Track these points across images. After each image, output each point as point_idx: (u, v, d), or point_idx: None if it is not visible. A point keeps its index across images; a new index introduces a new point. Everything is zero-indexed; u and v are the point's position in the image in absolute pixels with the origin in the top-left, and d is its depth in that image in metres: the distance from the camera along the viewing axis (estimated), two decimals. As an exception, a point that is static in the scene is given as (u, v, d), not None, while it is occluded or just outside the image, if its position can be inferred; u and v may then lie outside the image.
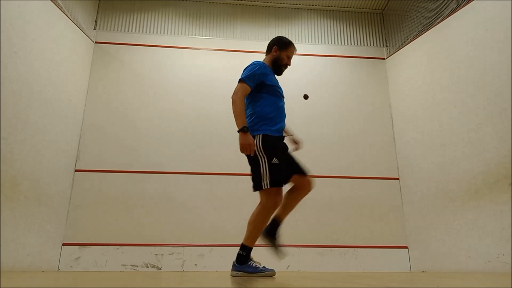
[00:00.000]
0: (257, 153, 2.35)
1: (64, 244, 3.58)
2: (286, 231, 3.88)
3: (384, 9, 4.87)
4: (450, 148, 3.53)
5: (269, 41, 2.70)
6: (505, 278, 2.04)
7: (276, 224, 2.47)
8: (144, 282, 1.79)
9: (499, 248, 2.96)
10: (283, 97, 2.59)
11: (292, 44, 2.65)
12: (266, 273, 2.30)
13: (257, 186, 2.34)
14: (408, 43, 4.31)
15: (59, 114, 3.59)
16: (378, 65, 4.60)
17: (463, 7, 3.59)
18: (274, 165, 2.31)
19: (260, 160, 2.34)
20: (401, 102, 4.30)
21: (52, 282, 1.72)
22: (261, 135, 2.38)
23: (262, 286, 1.56)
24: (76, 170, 3.82)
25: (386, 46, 4.72)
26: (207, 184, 3.94)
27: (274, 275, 2.32)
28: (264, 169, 2.32)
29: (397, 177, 4.17)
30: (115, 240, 3.66)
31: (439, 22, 3.89)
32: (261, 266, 2.33)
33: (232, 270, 2.36)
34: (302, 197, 2.53)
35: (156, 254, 3.65)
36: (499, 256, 2.95)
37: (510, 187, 2.91)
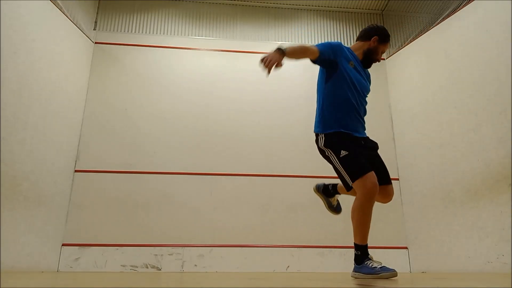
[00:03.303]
0: (325, 152, 2.19)
1: (63, 245, 3.58)
2: (287, 231, 3.89)
3: (384, 9, 4.87)
4: (449, 149, 3.53)
5: (368, 26, 2.39)
6: (505, 278, 2.03)
7: (334, 188, 2.40)
8: (144, 282, 1.79)
9: (498, 249, 2.96)
10: (360, 91, 2.30)
11: (389, 37, 2.37)
12: (382, 274, 2.00)
13: (346, 186, 2.17)
14: (408, 44, 4.31)
15: (59, 114, 3.59)
16: (378, 65, 4.55)
17: (463, 7, 3.59)
18: (346, 157, 2.10)
19: (332, 159, 2.17)
20: (401, 103, 4.30)
21: (51, 283, 1.72)
22: (323, 135, 2.20)
23: (263, 286, 1.56)
24: (76, 171, 3.82)
25: (386, 46, 4.71)
26: (207, 184, 3.94)
27: (395, 276, 2.02)
28: (338, 166, 2.13)
29: (397, 177, 4.17)
30: (115, 241, 3.65)
31: (439, 23, 3.89)
32: (379, 267, 2.05)
33: (353, 271, 2.17)
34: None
35: (156, 255, 3.65)
36: (499, 257, 2.95)
37: (510, 187, 2.91)
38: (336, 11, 4.85)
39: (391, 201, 4.35)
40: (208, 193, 3.92)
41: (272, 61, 1.92)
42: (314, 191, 2.54)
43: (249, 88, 4.28)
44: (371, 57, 2.33)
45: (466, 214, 3.29)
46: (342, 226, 3.95)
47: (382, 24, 2.37)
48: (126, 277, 2.32)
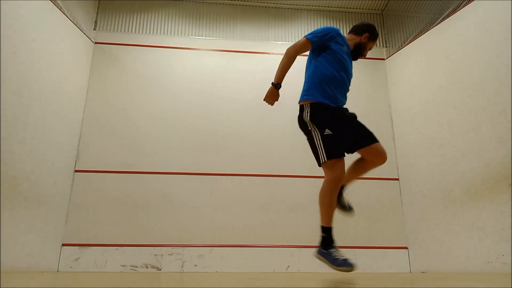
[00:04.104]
0: (308, 126, 2.28)
1: (63, 245, 3.58)
2: (287, 231, 3.89)
3: (383, 9, 4.87)
4: (449, 149, 3.53)
5: (360, 22, 2.61)
6: (505, 278, 2.03)
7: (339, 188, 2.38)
8: (144, 282, 1.79)
9: (498, 249, 2.96)
10: (348, 74, 2.42)
11: (377, 34, 2.59)
12: (341, 268, 2.10)
13: (317, 161, 2.26)
14: (408, 44, 4.31)
15: (59, 114, 3.59)
16: (378, 65, 4.60)
17: (463, 7, 3.59)
18: (327, 136, 2.21)
19: (313, 133, 2.25)
20: (401, 103, 4.30)
21: (51, 283, 1.72)
22: (309, 103, 2.29)
23: (263, 286, 1.56)
24: (76, 171, 3.82)
25: (386, 46, 4.72)
26: (207, 184, 3.94)
27: (351, 271, 2.09)
28: (318, 142, 2.22)
29: (397, 177, 4.17)
30: (115, 241, 3.65)
31: (439, 23, 3.89)
32: (341, 259, 2.13)
33: (316, 252, 2.25)
34: (372, 168, 2.43)
35: (156, 255, 3.65)
36: (499, 257, 2.95)
37: (510, 187, 2.91)
38: (336, 11, 4.85)
39: (391, 201, 4.37)
40: (208, 193, 3.92)
41: (270, 98, 2.34)
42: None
43: (249, 88, 4.28)
44: (359, 51, 2.53)
45: (466, 214, 3.29)
46: (341, 226, 3.94)
47: (374, 24, 2.61)
48: (126, 277, 2.32)
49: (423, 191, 3.82)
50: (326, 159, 2.19)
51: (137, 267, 3.59)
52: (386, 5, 4.81)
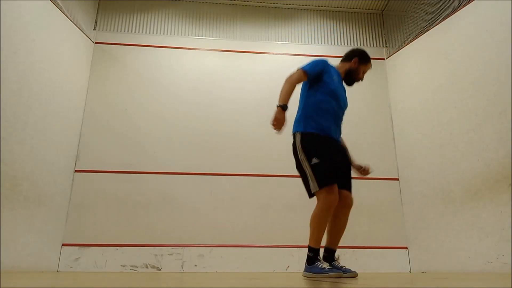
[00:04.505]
0: (298, 154, 2.34)
1: (63, 245, 3.58)
2: (287, 231, 3.89)
3: (384, 9, 4.87)
4: (449, 149, 3.53)
5: (350, 50, 2.66)
6: (505, 278, 2.04)
7: (330, 253, 2.41)
8: (144, 282, 1.79)
9: (498, 249, 2.96)
10: (340, 103, 2.47)
11: (370, 59, 2.62)
12: (330, 274, 2.18)
13: (307, 192, 2.32)
14: (408, 44, 4.31)
15: (59, 114, 3.59)
16: (377, 65, 4.60)
17: (463, 7, 3.59)
18: (315, 165, 2.27)
19: (303, 163, 2.32)
20: (401, 103, 4.30)
21: (51, 283, 1.72)
22: (300, 134, 2.36)
23: (263, 286, 1.56)
24: (76, 171, 3.82)
25: (386, 46, 4.72)
26: (207, 184, 3.94)
27: (340, 277, 2.19)
28: (308, 171, 2.29)
29: (397, 177, 4.17)
30: (115, 241, 3.65)
31: (439, 23, 3.89)
32: (327, 268, 2.21)
33: (303, 272, 2.30)
34: (344, 215, 2.40)
35: (156, 255, 3.65)
36: (499, 257, 2.95)
37: (510, 187, 2.91)
38: (336, 11, 4.85)
39: (391, 201, 4.36)
40: (208, 193, 3.92)
41: (280, 120, 2.23)
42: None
43: (249, 88, 4.28)
44: (352, 76, 2.57)
45: (466, 214, 3.29)
46: (342, 226, 3.95)
47: (363, 49, 2.66)
48: (126, 277, 2.32)
49: (423, 191, 3.82)
50: (318, 188, 2.24)
51: (137, 267, 3.59)
52: (386, 5, 4.80)
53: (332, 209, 2.26)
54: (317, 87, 2.43)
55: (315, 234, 2.27)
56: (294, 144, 2.42)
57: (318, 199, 2.28)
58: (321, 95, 2.41)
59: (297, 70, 2.40)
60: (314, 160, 2.27)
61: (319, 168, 2.26)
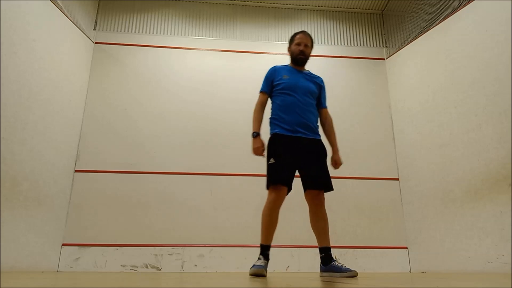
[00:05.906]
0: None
1: (63, 245, 3.58)
2: (287, 231, 3.89)
3: (383, 9, 4.87)
4: (449, 149, 3.53)
5: None
6: (505, 278, 2.04)
7: (325, 252, 2.43)
8: (144, 282, 1.79)
9: (498, 249, 2.96)
10: (297, 92, 2.55)
11: (296, 34, 2.71)
12: (251, 270, 2.29)
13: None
14: (408, 44, 4.31)
15: (59, 114, 3.59)
16: (377, 65, 4.60)
17: (463, 7, 3.59)
18: (270, 165, 2.43)
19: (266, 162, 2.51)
20: (401, 103, 4.30)
21: (51, 283, 1.72)
22: (270, 136, 2.56)
23: (262, 286, 1.56)
24: (76, 171, 3.82)
25: (386, 46, 4.72)
26: (207, 184, 3.94)
27: (260, 275, 2.25)
28: (267, 170, 2.47)
29: (397, 177, 4.17)
30: (115, 241, 3.65)
31: (439, 23, 3.89)
32: (257, 264, 2.31)
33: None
34: (316, 214, 2.47)
35: (156, 255, 3.65)
36: (499, 257, 2.95)
37: (510, 187, 2.91)
38: (336, 11, 4.85)
39: (391, 201, 4.36)
40: (208, 193, 3.92)
41: (257, 148, 2.47)
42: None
43: (249, 88, 4.26)
44: (293, 58, 2.68)
45: (466, 214, 3.29)
46: (341, 226, 3.95)
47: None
48: (126, 277, 2.32)
49: (423, 191, 3.82)
50: (267, 188, 2.42)
51: (137, 267, 3.59)
52: (386, 5, 4.81)
53: (275, 208, 2.37)
54: (274, 93, 2.62)
55: (261, 231, 2.40)
56: None
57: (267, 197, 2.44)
58: (278, 97, 2.57)
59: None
60: (271, 161, 2.44)
61: (270, 168, 2.42)
